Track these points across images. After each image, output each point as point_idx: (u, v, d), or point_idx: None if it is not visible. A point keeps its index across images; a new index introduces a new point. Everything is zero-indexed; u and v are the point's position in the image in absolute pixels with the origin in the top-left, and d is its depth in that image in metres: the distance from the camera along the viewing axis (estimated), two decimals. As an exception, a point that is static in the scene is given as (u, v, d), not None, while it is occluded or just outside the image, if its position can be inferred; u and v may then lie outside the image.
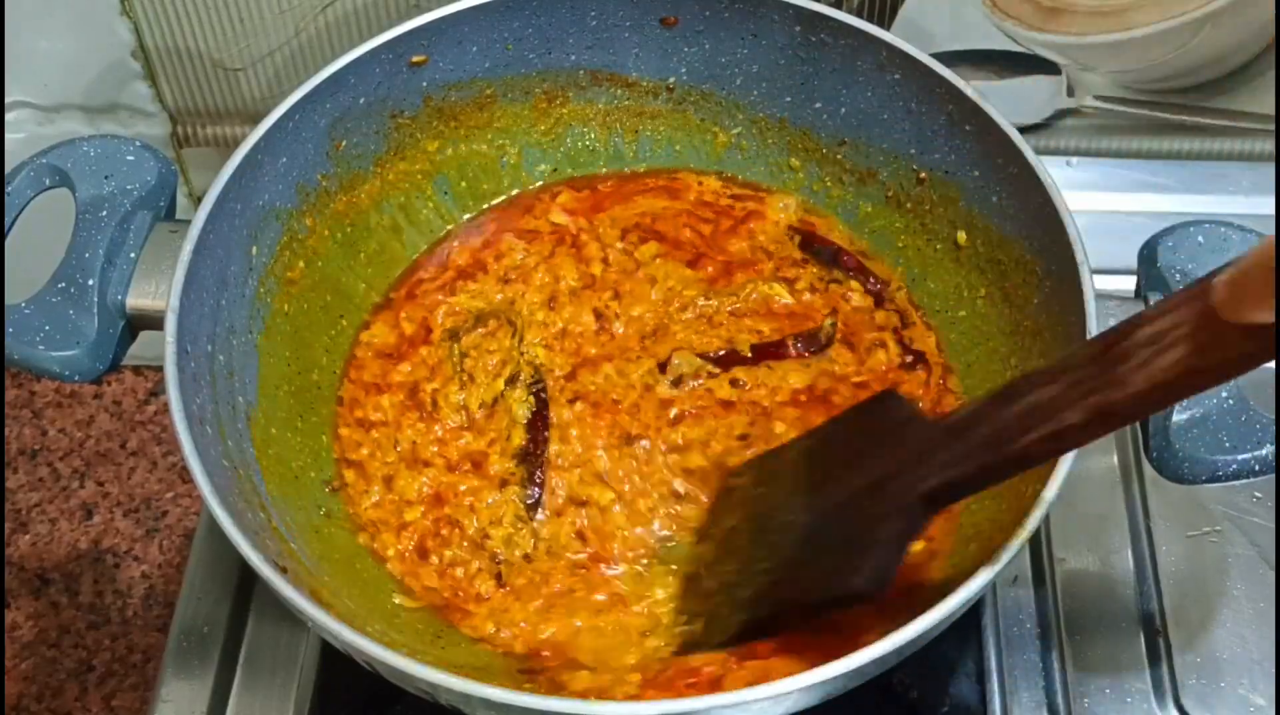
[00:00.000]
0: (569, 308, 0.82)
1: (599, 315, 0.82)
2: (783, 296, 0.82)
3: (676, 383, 0.79)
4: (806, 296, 0.82)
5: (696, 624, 0.70)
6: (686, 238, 0.85)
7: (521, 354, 0.80)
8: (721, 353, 0.80)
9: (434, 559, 0.74)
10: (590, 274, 0.83)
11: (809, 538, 0.66)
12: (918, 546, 0.71)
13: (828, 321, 0.81)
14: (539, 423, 0.78)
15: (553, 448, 0.77)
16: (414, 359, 0.80)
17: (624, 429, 0.77)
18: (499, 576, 0.73)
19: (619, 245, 0.84)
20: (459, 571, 0.74)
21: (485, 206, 0.87)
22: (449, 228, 0.86)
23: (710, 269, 0.83)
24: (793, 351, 0.80)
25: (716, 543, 0.73)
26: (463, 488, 0.76)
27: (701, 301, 0.82)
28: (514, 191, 0.88)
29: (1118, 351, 0.53)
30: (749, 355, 0.80)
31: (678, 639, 0.70)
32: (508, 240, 0.85)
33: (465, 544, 0.74)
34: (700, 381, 0.79)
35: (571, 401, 0.78)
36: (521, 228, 0.86)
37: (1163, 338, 0.52)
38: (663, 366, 0.79)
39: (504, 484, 0.76)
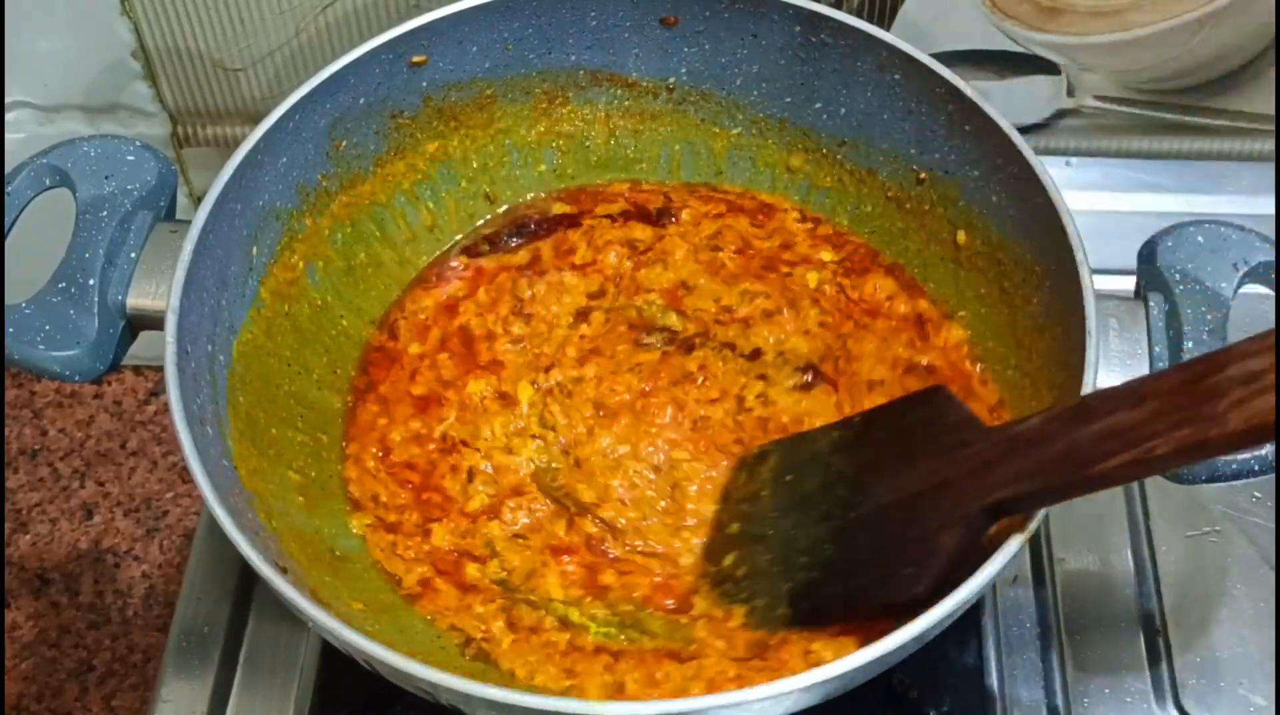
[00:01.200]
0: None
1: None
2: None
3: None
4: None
5: (737, 615, 0.68)
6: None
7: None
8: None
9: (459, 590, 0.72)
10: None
11: (855, 536, 0.65)
12: None
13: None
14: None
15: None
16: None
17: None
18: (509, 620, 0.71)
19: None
20: (479, 609, 0.71)
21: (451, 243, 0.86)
22: (443, 246, 0.86)
23: None
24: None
25: (744, 529, 0.71)
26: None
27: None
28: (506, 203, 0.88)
29: (1210, 384, 0.51)
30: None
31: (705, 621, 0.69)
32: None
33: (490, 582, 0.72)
34: None
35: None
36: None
37: (1260, 377, 0.50)
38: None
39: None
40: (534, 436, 0.77)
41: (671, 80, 0.87)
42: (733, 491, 0.74)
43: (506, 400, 0.78)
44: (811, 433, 0.73)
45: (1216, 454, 0.54)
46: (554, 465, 0.76)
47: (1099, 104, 1.00)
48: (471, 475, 0.76)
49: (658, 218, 0.85)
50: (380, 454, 0.77)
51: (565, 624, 0.70)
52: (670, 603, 0.71)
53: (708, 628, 0.69)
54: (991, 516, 0.60)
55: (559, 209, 0.87)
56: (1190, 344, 0.68)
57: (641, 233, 0.85)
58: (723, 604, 0.70)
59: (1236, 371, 0.51)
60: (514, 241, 0.85)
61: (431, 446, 0.77)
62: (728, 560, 0.71)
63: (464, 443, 0.77)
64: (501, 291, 0.83)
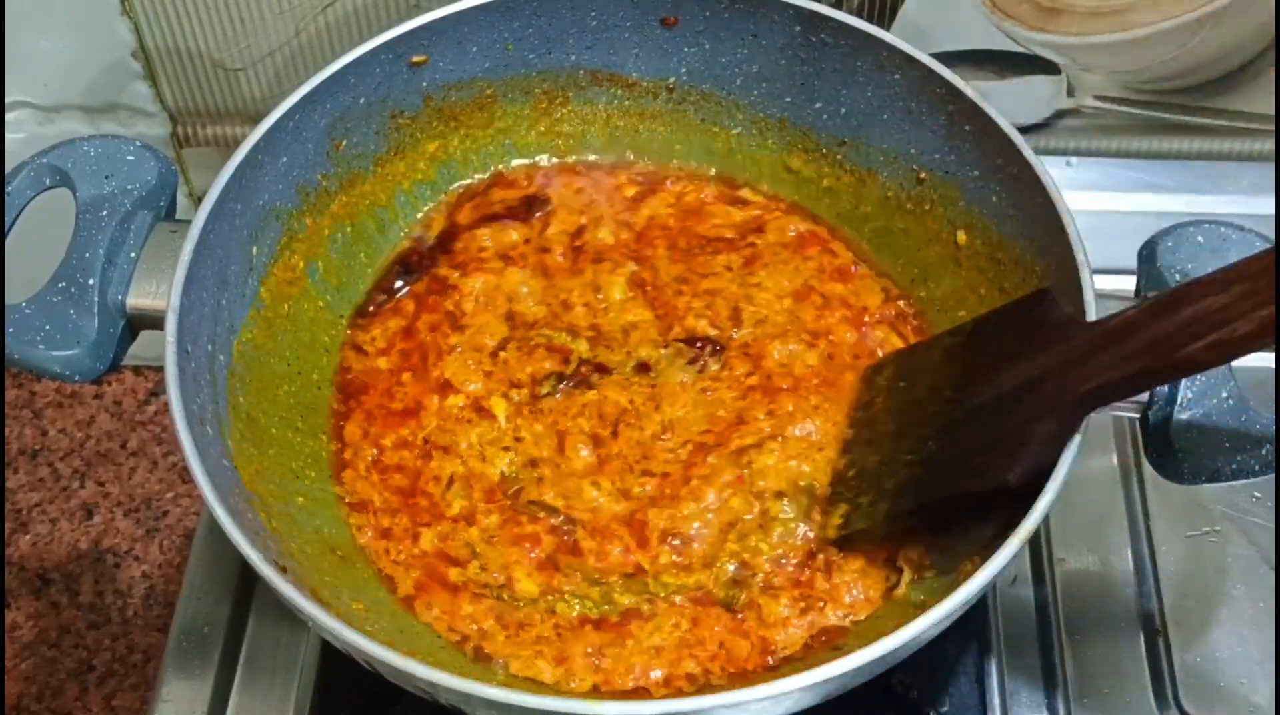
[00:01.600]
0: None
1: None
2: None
3: None
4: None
5: (836, 515, 0.72)
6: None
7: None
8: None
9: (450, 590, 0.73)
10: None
11: (957, 432, 0.67)
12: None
13: None
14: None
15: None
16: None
17: None
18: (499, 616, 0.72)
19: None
20: (469, 608, 0.72)
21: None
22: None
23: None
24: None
25: (857, 435, 0.74)
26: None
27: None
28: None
29: None
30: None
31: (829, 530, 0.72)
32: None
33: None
34: None
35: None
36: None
37: None
38: None
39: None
40: (505, 448, 0.77)
41: (671, 80, 0.87)
42: (853, 403, 0.76)
43: (483, 412, 0.78)
44: (925, 342, 0.76)
45: None
46: (519, 476, 0.76)
47: (1099, 104, 1.00)
48: (451, 481, 0.76)
49: (528, 211, 0.85)
50: (374, 455, 0.77)
51: (550, 614, 0.71)
52: (630, 570, 0.72)
53: (669, 580, 0.72)
54: (1086, 406, 0.62)
55: (436, 228, 0.85)
56: (1190, 344, 0.68)
57: (515, 234, 0.85)
58: (830, 506, 0.73)
59: None
60: (400, 284, 0.83)
61: (416, 451, 0.77)
62: (840, 463, 0.74)
63: (444, 449, 0.77)
64: (438, 309, 0.82)
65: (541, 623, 0.71)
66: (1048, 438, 0.62)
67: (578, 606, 0.71)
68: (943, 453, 0.67)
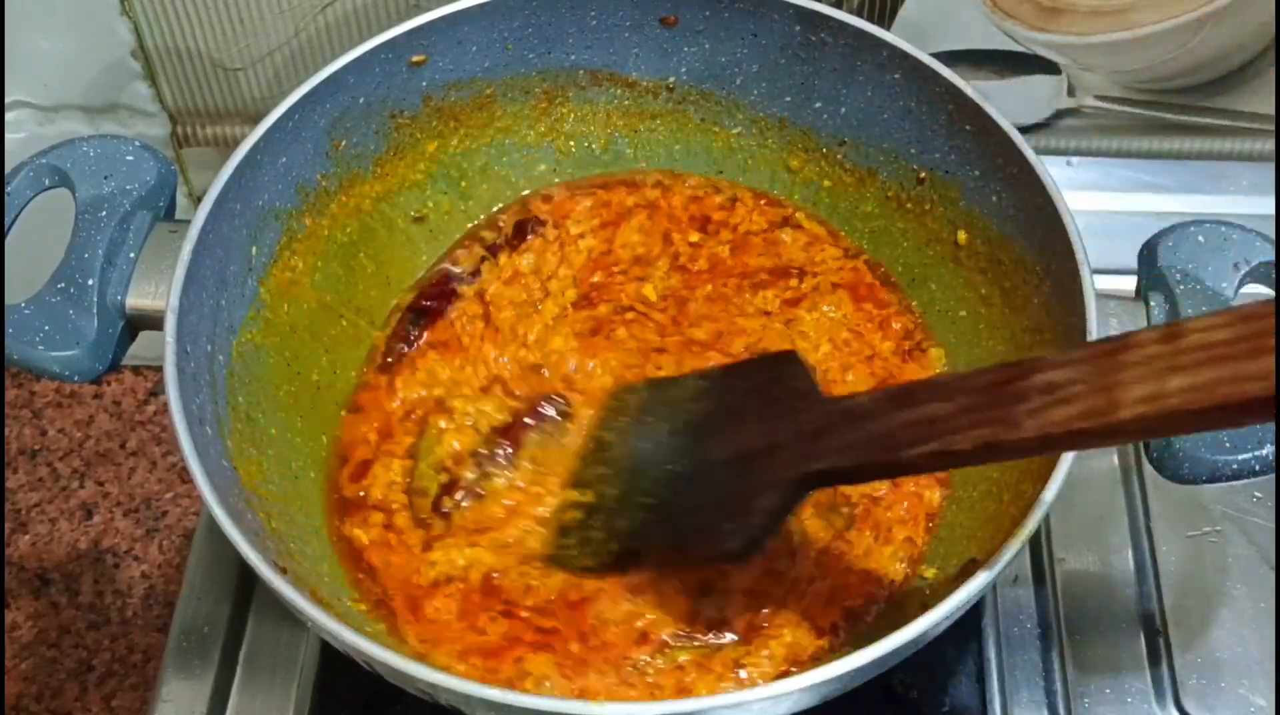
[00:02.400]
0: None
1: None
2: None
3: None
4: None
5: (570, 541, 0.71)
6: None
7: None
8: None
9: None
10: None
11: (689, 485, 0.67)
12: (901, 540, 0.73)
13: None
14: None
15: None
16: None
17: None
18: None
19: None
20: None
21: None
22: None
23: None
24: None
25: (592, 458, 0.74)
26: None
27: None
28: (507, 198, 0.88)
29: (1014, 389, 0.53)
30: None
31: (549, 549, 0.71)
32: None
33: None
34: None
35: None
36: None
37: (1058, 389, 0.52)
38: None
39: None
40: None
41: (671, 80, 0.87)
42: (601, 420, 0.76)
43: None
44: (679, 378, 0.76)
45: (1011, 457, 0.57)
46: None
47: (1099, 104, 1.00)
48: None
49: (518, 236, 0.84)
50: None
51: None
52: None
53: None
54: (809, 485, 0.63)
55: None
56: (1190, 344, 0.68)
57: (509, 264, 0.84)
58: (559, 534, 0.72)
59: (1039, 381, 0.52)
60: (415, 332, 0.81)
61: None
62: (572, 490, 0.74)
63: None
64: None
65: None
66: (768, 511, 0.63)
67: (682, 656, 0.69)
68: (676, 501, 0.67)
